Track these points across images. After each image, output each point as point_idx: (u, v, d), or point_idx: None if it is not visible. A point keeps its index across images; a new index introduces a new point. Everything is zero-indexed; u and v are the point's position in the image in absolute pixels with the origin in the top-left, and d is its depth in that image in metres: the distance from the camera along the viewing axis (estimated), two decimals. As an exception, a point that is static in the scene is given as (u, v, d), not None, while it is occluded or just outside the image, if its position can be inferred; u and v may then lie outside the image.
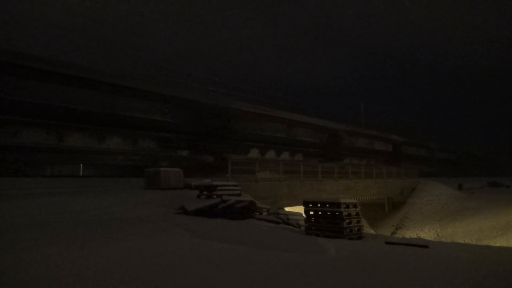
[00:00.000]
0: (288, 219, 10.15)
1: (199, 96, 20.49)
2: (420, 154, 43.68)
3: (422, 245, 6.61)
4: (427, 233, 19.09)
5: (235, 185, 11.48)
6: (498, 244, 13.91)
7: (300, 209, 10.01)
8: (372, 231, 19.69)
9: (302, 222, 9.35)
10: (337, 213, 7.66)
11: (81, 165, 16.74)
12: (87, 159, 16.42)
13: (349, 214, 7.74)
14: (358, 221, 8.05)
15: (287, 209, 12.70)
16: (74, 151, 15.48)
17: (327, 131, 30.03)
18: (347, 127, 32.55)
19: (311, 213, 8.18)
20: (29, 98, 13.99)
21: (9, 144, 13.68)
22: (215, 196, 10.20)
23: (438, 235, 18.38)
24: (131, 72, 19.36)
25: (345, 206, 7.70)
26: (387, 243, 6.81)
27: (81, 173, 16.70)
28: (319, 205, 8.08)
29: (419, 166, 36.70)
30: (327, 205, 7.89)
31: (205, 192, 10.57)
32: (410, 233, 19.72)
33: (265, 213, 10.75)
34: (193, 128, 19.80)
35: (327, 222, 7.80)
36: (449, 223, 19.37)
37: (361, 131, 34.33)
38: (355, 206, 7.99)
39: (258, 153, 23.78)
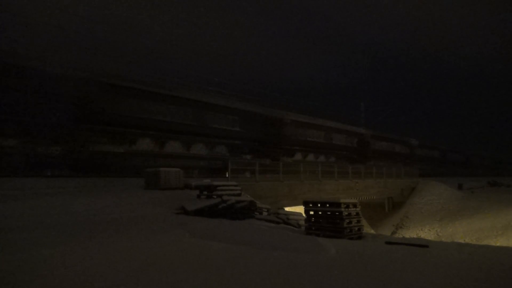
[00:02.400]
0: (288, 219, 10.15)
1: None
2: (395, 150, 38.51)
3: (422, 245, 6.60)
4: (427, 233, 19.09)
5: (235, 185, 11.48)
6: (498, 244, 13.92)
7: (300, 209, 10.00)
8: (372, 231, 19.69)
9: (302, 222, 9.34)
10: (337, 213, 7.65)
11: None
12: None
13: (349, 214, 7.73)
14: (358, 221, 8.04)
15: (287, 209, 12.69)
16: None
17: (261, 120, 23.92)
18: (290, 115, 26.45)
19: (311, 213, 8.17)
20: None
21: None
22: (215, 196, 10.20)
23: (438, 235, 18.38)
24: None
25: (345, 206, 7.69)
26: (387, 243, 6.81)
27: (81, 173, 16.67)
28: (319, 205, 8.07)
29: (393, 163, 33.41)
30: (327, 205, 7.88)
31: (205, 192, 10.57)
32: (410, 233, 19.71)
33: (265, 213, 10.75)
34: None
35: (327, 222, 7.79)
36: (449, 223, 19.37)
37: (313, 122, 28.46)
38: (355, 206, 7.98)
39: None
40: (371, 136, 34.41)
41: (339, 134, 31.06)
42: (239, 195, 10.86)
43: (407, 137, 41.46)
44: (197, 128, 20.35)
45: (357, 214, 8.02)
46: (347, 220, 7.65)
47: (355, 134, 33.09)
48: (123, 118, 17.04)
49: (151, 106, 18.26)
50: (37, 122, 14.38)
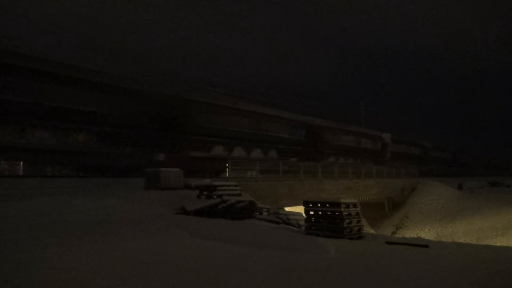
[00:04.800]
0: (288, 219, 10.14)
1: None
2: (361, 146, 33.24)
3: (422, 245, 6.60)
4: (427, 233, 19.08)
5: (235, 185, 11.48)
6: (498, 244, 13.91)
7: (300, 209, 10.00)
8: (372, 231, 19.68)
9: (302, 222, 9.33)
10: (337, 213, 7.65)
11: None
12: None
13: (349, 214, 7.73)
14: (358, 221, 8.03)
15: (287, 209, 12.69)
16: None
17: (158, 103, 18.10)
18: (196, 96, 20.75)
19: (311, 213, 8.17)
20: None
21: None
22: (215, 196, 10.19)
23: (438, 235, 18.38)
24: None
25: (345, 206, 7.68)
26: (387, 243, 6.80)
27: (81, 173, 16.67)
28: (319, 205, 8.06)
29: (360, 160, 30.77)
30: (327, 205, 7.88)
31: (205, 192, 10.56)
32: (410, 233, 19.71)
33: (265, 213, 10.74)
34: None
35: (327, 222, 7.79)
36: (449, 223, 19.37)
37: (238, 107, 23.06)
38: (355, 206, 7.97)
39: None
40: (325, 128, 28.59)
41: (279, 124, 25.34)
42: (239, 195, 10.86)
43: (377, 131, 35.98)
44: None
45: (357, 214, 8.01)
46: (347, 220, 7.64)
47: (304, 125, 27.23)
48: None
49: None
50: None
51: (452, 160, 50.54)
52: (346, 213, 7.63)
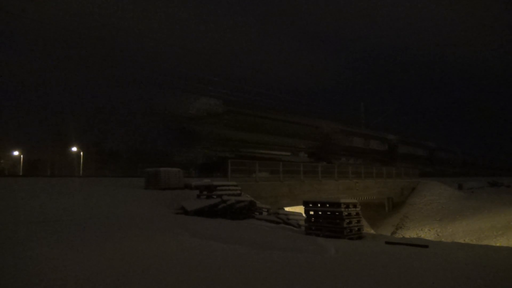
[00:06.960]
0: (288, 219, 10.15)
1: None
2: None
3: (422, 245, 6.60)
4: (427, 233, 19.06)
5: (235, 185, 11.47)
6: (498, 244, 13.90)
7: (300, 209, 10.00)
8: (372, 231, 19.67)
9: (302, 222, 9.34)
10: (337, 213, 7.65)
11: (81, 165, 16.58)
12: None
13: (349, 214, 7.73)
14: (358, 221, 8.04)
15: (287, 209, 12.69)
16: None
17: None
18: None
19: (311, 213, 8.17)
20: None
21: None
22: (215, 196, 10.19)
23: (438, 235, 18.36)
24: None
25: (345, 206, 7.69)
26: (387, 243, 6.81)
27: (81, 173, 16.67)
28: (319, 205, 8.07)
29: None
30: (327, 205, 7.88)
31: (205, 192, 10.56)
32: (410, 233, 19.70)
33: (265, 213, 10.74)
34: None
35: (327, 222, 7.79)
36: (449, 223, 19.35)
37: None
38: (355, 206, 7.98)
39: None
40: (224, 112, 19.57)
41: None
42: (239, 195, 10.85)
43: (310, 119, 27.25)
44: None
45: (357, 214, 8.02)
46: (347, 220, 7.65)
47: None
48: None
49: None
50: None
51: (429, 158, 43.50)
52: (346, 213, 7.64)
